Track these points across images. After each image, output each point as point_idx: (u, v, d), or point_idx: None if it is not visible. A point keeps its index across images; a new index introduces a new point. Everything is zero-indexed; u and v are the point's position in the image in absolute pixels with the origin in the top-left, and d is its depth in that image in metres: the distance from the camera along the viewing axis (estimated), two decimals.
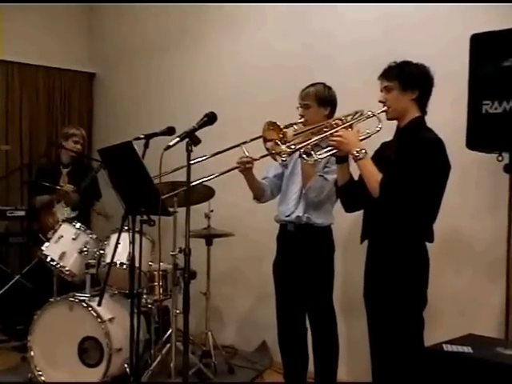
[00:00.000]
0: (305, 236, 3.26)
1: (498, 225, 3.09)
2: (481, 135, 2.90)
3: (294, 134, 2.67)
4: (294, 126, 3.01)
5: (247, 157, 3.21)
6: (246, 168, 3.24)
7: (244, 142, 3.18)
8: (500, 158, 2.92)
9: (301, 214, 3.25)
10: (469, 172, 3.24)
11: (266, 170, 3.46)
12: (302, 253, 3.26)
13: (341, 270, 3.49)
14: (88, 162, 4.95)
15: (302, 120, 3.16)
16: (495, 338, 2.98)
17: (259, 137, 2.80)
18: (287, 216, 3.30)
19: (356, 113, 2.71)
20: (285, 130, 2.66)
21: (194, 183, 3.13)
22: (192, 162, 2.62)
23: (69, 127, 4.88)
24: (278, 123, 2.65)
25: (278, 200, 3.43)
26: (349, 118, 2.70)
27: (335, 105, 3.27)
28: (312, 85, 3.27)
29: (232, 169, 3.27)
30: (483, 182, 3.28)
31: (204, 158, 3.20)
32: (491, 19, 3.09)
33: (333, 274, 3.33)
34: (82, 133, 4.75)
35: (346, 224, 3.54)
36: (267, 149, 2.71)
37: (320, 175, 3.19)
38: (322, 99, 3.21)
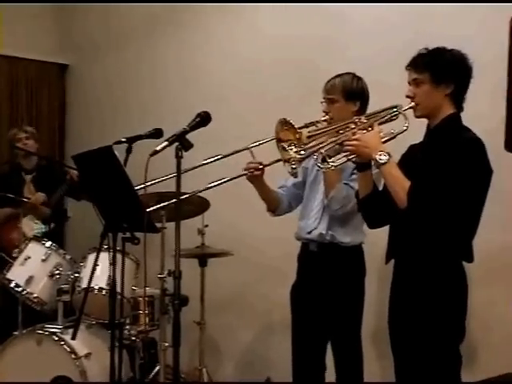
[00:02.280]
0: (329, 257, 3.22)
1: None
2: None
3: (308, 137, 2.61)
4: (318, 125, 2.97)
5: (255, 162, 3.14)
6: (254, 175, 3.17)
7: (254, 145, 3.09)
8: None
9: (324, 232, 3.21)
10: (510, 178, 3.23)
11: (283, 177, 3.38)
12: (326, 277, 3.21)
13: (373, 298, 3.43)
14: (58, 167, 4.94)
15: (327, 117, 3.12)
16: None
17: (271, 139, 2.75)
18: (308, 233, 3.27)
19: (394, 107, 2.67)
20: (301, 130, 2.61)
21: (188, 195, 3.11)
22: (187, 169, 2.61)
23: (13, 129, 4.89)
24: (291, 122, 2.60)
25: (299, 213, 3.39)
26: (382, 114, 2.67)
27: (366, 99, 3.22)
28: (339, 75, 3.21)
29: (237, 177, 3.18)
30: None
31: (203, 162, 3.10)
32: None
33: (362, 303, 3.28)
34: (31, 130, 4.76)
35: (380, 243, 3.48)
36: (280, 159, 2.69)
37: (345, 183, 3.15)
38: (350, 92, 3.15)
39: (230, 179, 3.14)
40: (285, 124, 2.63)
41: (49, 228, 4.54)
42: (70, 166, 4.16)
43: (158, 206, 3.44)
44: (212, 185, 3.15)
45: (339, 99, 3.15)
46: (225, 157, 3.11)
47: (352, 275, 3.25)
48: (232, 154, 3.11)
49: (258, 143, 3.06)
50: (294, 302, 3.39)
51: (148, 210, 3.03)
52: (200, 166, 3.12)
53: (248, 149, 3.10)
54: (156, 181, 3.07)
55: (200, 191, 3.24)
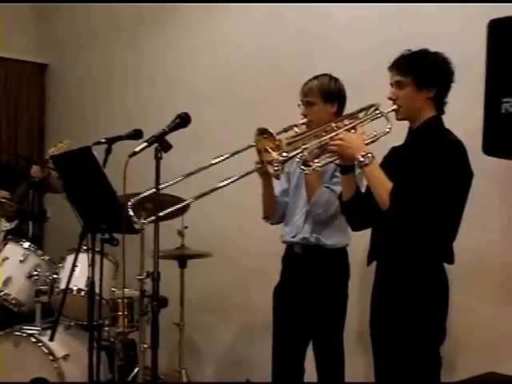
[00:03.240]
0: (314, 259, 3.22)
1: None
2: (499, 138, 2.91)
3: (288, 143, 2.58)
4: (296, 129, 2.96)
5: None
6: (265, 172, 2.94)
7: (236, 152, 2.99)
8: None
9: (308, 235, 3.22)
10: (489, 181, 3.26)
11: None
12: (310, 279, 3.21)
13: (357, 300, 3.45)
14: (19, 163, 4.88)
15: (305, 120, 3.11)
16: None
17: (251, 146, 2.73)
18: (293, 237, 3.27)
19: (371, 106, 2.68)
20: (280, 138, 2.58)
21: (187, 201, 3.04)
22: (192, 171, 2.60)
23: None
24: (270, 130, 2.57)
25: (285, 217, 3.38)
26: (361, 115, 2.68)
27: (344, 100, 3.22)
28: (315, 77, 3.21)
29: (251, 172, 3.00)
30: (505, 192, 3.30)
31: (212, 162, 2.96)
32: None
33: (345, 305, 3.28)
34: None
35: (362, 245, 3.49)
36: (261, 161, 2.66)
37: (326, 186, 3.15)
38: (327, 94, 3.16)
39: (243, 175, 2.96)
40: (263, 133, 2.60)
41: (14, 225, 4.47)
42: (33, 161, 4.12)
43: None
44: (222, 184, 2.94)
45: (317, 101, 3.15)
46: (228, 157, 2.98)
47: (336, 278, 3.25)
48: (232, 154, 2.98)
49: (240, 150, 2.97)
50: (277, 304, 3.38)
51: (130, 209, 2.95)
52: (208, 166, 2.97)
53: (238, 152, 2.99)
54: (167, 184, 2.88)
55: (206, 193, 3.02)
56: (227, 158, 2.95)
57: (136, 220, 2.97)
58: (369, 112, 2.68)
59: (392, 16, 3.73)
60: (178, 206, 3.12)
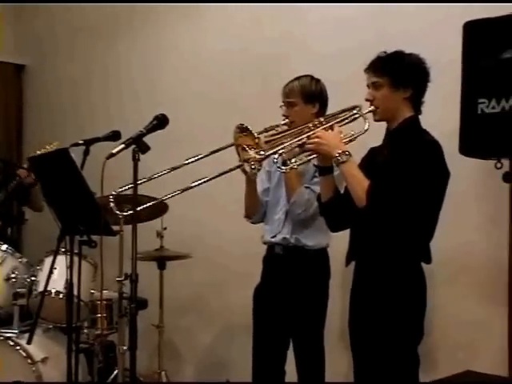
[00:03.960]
0: (294, 260, 3.23)
1: (501, 242, 3.13)
2: (476, 139, 2.95)
3: (266, 142, 2.60)
4: (278, 129, 2.97)
5: None
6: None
7: (213, 152, 3.04)
8: (499, 165, 2.96)
9: (288, 236, 3.23)
10: (466, 181, 3.30)
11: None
12: (290, 280, 3.22)
13: (339, 300, 3.42)
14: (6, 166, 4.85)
15: (287, 121, 3.12)
16: (497, 375, 3.02)
17: (231, 145, 2.74)
18: (273, 237, 3.28)
19: (354, 108, 2.69)
20: (259, 135, 2.60)
21: (166, 199, 3.03)
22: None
23: None
24: (249, 128, 2.58)
25: (265, 217, 3.40)
26: (341, 115, 2.70)
27: (325, 101, 3.24)
28: (296, 78, 3.23)
29: (234, 168, 2.95)
30: (483, 193, 3.34)
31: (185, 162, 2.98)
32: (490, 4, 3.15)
33: (325, 306, 3.29)
34: None
35: (341, 245, 3.49)
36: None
37: (306, 186, 3.16)
38: (309, 95, 3.18)
39: (225, 172, 2.96)
40: (242, 130, 2.62)
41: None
42: (19, 166, 4.10)
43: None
44: (194, 184, 2.95)
45: (298, 102, 3.17)
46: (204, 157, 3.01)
47: (317, 279, 3.26)
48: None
49: (217, 149, 3.01)
50: (257, 305, 3.38)
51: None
52: (181, 166, 3.00)
53: (215, 152, 3.03)
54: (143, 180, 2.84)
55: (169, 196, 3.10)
56: (202, 157, 2.95)
57: (118, 212, 2.98)
58: (350, 113, 2.69)
59: (370, 18, 3.77)
60: (153, 203, 3.13)
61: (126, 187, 2.84)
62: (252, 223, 3.42)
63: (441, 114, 3.22)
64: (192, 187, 2.93)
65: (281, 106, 3.21)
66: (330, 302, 3.30)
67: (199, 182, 2.92)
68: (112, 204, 2.94)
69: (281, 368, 3.35)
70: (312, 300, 3.24)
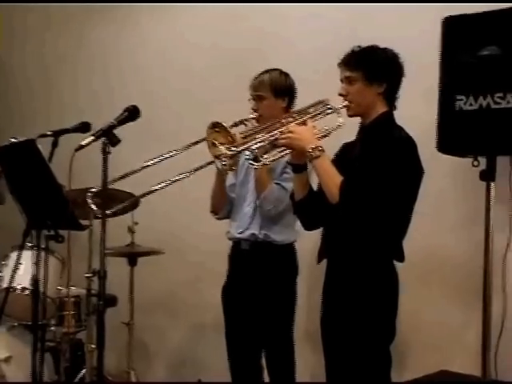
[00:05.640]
0: (262, 256, 3.25)
1: (477, 242, 3.15)
2: (453, 136, 2.98)
3: (243, 137, 2.59)
4: (246, 123, 3.00)
5: None
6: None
7: (187, 146, 2.99)
8: (475, 163, 3.00)
9: (256, 232, 3.26)
10: (443, 179, 3.33)
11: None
12: (258, 276, 3.24)
13: (305, 297, 3.48)
14: None
15: (255, 115, 3.15)
16: (471, 375, 3.06)
17: (202, 139, 2.72)
18: (240, 233, 3.31)
19: (320, 102, 2.71)
20: (232, 130, 2.58)
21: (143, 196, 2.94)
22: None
23: None
24: (223, 123, 2.55)
25: (231, 213, 3.42)
26: (311, 110, 2.71)
27: (294, 95, 3.28)
28: (266, 71, 3.26)
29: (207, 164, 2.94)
30: (459, 192, 3.37)
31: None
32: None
33: (294, 301, 3.32)
34: None
35: (312, 241, 3.51)
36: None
37: (276, 183, 3.19)
38: (278, 88, 3.21)
39: (197, 169, 2.88)
40: (214, 125, 2.59)
41: None
42: None
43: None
44: (155, 188, 2.87)
45: (268, 96, 3.20)
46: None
47: (285, 274, 3.28)
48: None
49: (188, 145, 2.97)
50: (226, 304, 3.41)
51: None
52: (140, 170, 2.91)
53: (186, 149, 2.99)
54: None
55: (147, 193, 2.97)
56: (161, 160, 2.91)
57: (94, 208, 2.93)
58: (319, 107, 2.70)
59: (347, 14, 3.78)
60: (127, 202, 3.11)
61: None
62: (218, 219, 3.44)
63: (419, 110, 3.24)
64: (164, 187, 2.86)
65: (249, 100, 3.23)
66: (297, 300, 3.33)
67: (159, 186, 2.83)
68: (90, 200, 2.88)
69: (257, 364, 3.38)
70: (281, 295, 3.27)
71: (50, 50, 5.38)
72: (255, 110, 3.18)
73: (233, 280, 3.38)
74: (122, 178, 2.81)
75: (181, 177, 2.82)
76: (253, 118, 3.12)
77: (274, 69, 3.27)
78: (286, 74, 3.27)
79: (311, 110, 2.72)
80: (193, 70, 4.51)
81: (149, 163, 2.84)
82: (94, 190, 2.73)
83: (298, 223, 2.99)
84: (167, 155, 2.89)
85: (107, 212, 2.61)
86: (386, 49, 2.69)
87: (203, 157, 2.81)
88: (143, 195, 2.88)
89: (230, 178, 3.39)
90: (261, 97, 3.20)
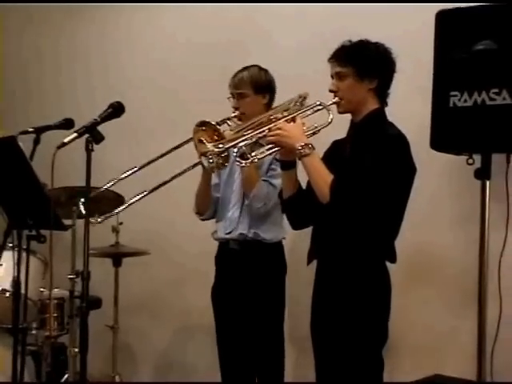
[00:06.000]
0: (251, 255, 3.27)
1: (472, 242, 3.15)
2: (447, 133, 2.97)
3: (234, 133, 2.59)
4: (228, 122, 2.98)
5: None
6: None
7: (176, 147, 2.99)
8: (470, 161, 2.99)
9: (245, 231, 3.27)
10: (438, 177, 3.33)
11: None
12: (248, 275, 3.26)
13: (294, 299, 3.49)
14: None
15: (237, 113, 3.16)
16: (465, 379, 3.06)
17: (190, 139, 2.69)
18: (228, 233, 3.32)
19: (300, 97, 2.72)
20: (219, 128, 2.55)
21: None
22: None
23: None
24: (211, 121, 2.53)
25: (216, 213, 3.44)
26: (291, 106, 2.70)
27: (274, 91, 3.31)
28: (244, 68, 3.29)
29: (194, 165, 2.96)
30: (454, 190, 3.37)
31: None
32: None
33: (284, 300, 3.35)
34: None
35: (296, 239, 3.51)
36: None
37: (264, 180, 3.21)
38: (259, 85, 3.25)
39: (185, 170, 2.92)
40: (201, 124, 2.56)
41: None
42: None
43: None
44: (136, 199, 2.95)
45: (249, 93, 3.24)
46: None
47: (275, 272, 3.32)
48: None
49: (176, 146, 2.97)
50: (217, 305, 3.42)
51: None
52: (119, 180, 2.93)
53: (173, 150, 2.99)
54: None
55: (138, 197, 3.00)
56: (137, 170, 2.91)
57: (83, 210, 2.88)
58: (298, 102, 2.70)
59: (335, 8, 3.77)
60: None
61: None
62: (202, 220, 3.46)
63: (412, 107, 3.24)
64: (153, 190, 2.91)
65: (229, 98, 3.26)
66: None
67: (139, 196, 2.90)
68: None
69: (250, 368, 3.37)
70: (272, 293, 3.29)
71: (30, 45, 5.34)
72: (236, 109, 3.20)
73: (222, 281, 3.39)
74: (114, 183, 2.82)
75: (162, 182, 2.84)
76: (235, 117, 3.12)
77: (253, 65, 3.31)
78: (266, 70, 3.31)
79: (291, 105, 2.70)
80: (173, 68, 4.52)
81: (136, 168, 2.87)
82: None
83: (285, 220, 2.98)
84: (156, 158, 2.91)
85: (99, 220, 2.63)
86: (377, 43, 2.67)
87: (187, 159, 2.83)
88: (126, 207, 2.89)
89: (212, 178, 3.40)
90: (242, 94, 3.23)
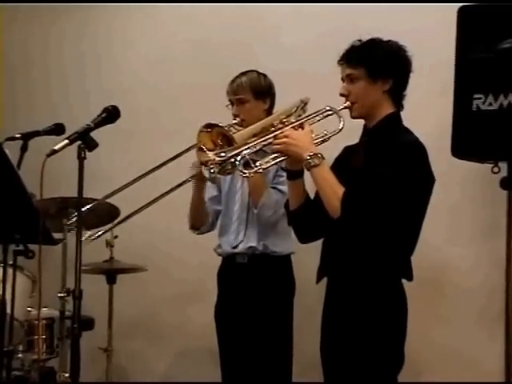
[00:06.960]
0: (260, 269, 3.29)
1: (497, 258, 3.14)
2: (470, 139, 2.97)
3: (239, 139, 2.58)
4: (231, 129, 2.96)
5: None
6: (202, 177, 3.04)
7: (180, 153, 3.08)
8: (496, 170, 2.98)
9: (254, 244, 3.30)
10: (459, 187, 3.32)
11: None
12: (254, 291, 3.27)
13: (303, 321, 3.47)
14: None
15: (237, 120, 3.19)
16: None
17: (194, 145, 2.71)
18: (234, 247, 3.34)
19: (301, 102, 2.73)
20: (227, 130, 2.56)
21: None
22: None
23: None
24: (218, 124, 2.53)
25: (219, 227, 3.46)
26: (293, 111, 2.70)
27: (274, 96, 3.37)
28: (242, 74, 3.35)
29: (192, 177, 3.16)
30: (478, 201, 3.37)
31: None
32: None
33: (292, 322, 3.36)
34: None
35: (304, 254, 3.42)
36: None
37: (272, 187, 3.24)
38: (259, 90, 3.30)
39: (185, 182, 3.06)
40: (207, 126, 2.54)
41: None
42: None
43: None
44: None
45: (249, 98, 3.29)
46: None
47: (282, 288, 3.34)
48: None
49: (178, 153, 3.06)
50: (220, 325, 3.42)
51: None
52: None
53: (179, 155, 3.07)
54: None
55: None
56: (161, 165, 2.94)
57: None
58: (300, 107, 2.71)
59: (346, 7, 3.81)
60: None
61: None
62: (199, 234, 3.50)
63: (431, 110, 3.23)
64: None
65: (227, 106, 3.31)
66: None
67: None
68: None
69: None
70: (279, 312, 3.31)
71: (17, 46, 5.33)
72: (237, 116, 3.24)
73: (226, 298, 3.40)
74: (113, 194, 2.83)
75: (160, 195, 2.88)
76: (235, 124, 3.13)
77: (250, 70, 3.36)
78: (264, 75, 3.37)
79: (293, 110, 2.72)
80: (171, 71, 4.54)
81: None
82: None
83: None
84: (156, 167, 3.06)
85: (92, 237, 2.65)
86: (390, 41, 2.65)
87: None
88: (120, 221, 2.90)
89: (209, 190, 3.44)
90: (242, 100, 3.28)
